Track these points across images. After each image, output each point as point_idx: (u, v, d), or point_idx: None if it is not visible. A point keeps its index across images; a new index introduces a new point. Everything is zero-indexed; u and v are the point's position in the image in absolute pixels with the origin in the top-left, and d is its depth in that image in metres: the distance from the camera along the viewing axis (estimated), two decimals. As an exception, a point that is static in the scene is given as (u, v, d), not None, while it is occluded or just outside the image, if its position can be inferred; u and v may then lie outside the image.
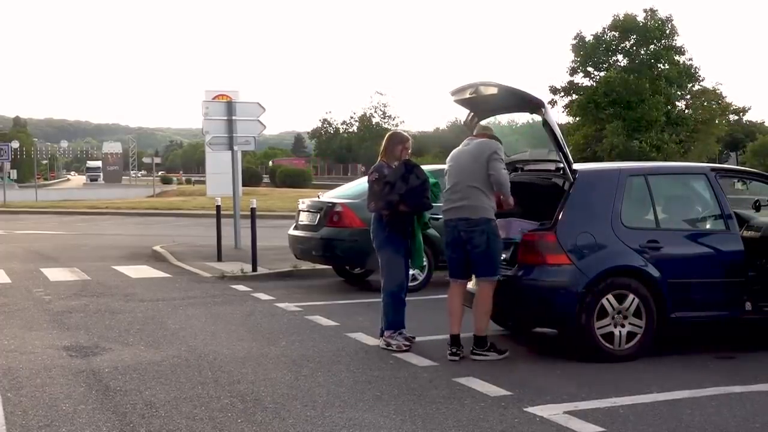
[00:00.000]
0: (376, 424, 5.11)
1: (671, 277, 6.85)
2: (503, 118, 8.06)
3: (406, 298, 7.47)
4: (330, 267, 11.94)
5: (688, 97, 53.54)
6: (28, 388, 6.00)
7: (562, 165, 7.01)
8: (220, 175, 17.15)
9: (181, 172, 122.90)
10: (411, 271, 8.42)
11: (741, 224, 7.53)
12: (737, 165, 62.33)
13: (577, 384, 6.01)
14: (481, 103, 7.53)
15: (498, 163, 6.80)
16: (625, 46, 52.96)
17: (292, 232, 11.73)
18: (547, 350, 7.37)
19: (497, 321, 7.93)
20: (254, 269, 12.47)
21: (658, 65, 51.72)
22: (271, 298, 10.27)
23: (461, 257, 6.94)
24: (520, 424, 5.08)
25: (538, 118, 7.06)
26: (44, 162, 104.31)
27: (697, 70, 52.17)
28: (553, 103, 53.31)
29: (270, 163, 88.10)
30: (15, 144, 68.07)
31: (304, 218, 11.40)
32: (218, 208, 15.10)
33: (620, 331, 6.74)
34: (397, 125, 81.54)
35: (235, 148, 15.33)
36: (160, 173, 75.86)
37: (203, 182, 25.46)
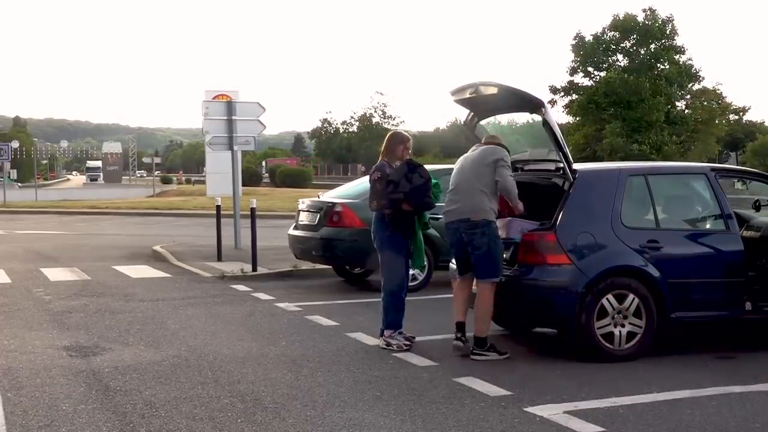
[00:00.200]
0: (376, 424, 5.11)
1: (671, 277, 6.85)
2: (503, 118, 8.07)
3: (407, 298, 7.47)
4: (330, 267, 11.94)
5: (688, 97, 53.56)
6: (28, 388, 6.00)
7: (562, 165, 7.01)
8: (220, 175, 17.16)
9: (181, 172, 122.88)
10: (411, 271, 8.41)
11: (741, 224, 7.53)
12: (737, 165, 62.32)
13: (577, 384, 6.01)
14: (481, 103, 7.54)
15: (505, 170, 6.83)
16: (625, 46, 52.98)
17: (292, 232, 11.73)
18: (547, 350, 7.37)
19: (497, 321, 7.92)
20: (254, 269, 12.47)
21: (658, 65, 51.74)
22: (271, 298, 10.27)
23: (465, 258, 6.95)
24: (520, 424, 5.08)
25: (538, 118, 7.07)
26: (44, 162, 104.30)
27: (698, 71, 52.18)
28: (553, 102, 53.34)
29: (264, 163, 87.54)
30: (15, 144, 68.08)
31: (304, 218, 11.40)
32: (218, 208, 15.10)
33: (620, 331, 6.74)
34: (397, 125, 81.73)
35: (235, 148, 15.33)
36: (156, 173, 75.52)
37: (203, 182, 25.44)
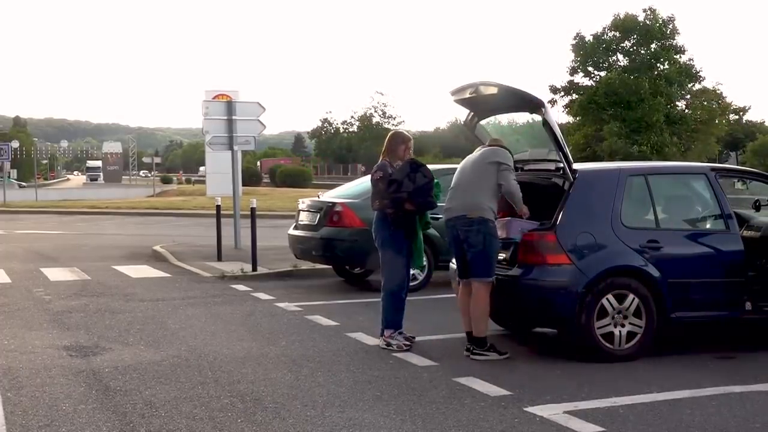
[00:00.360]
0: (376, 424, 5.11)
1: (671, 277, 6.85)
2: (503, 118, 8.07)
3: (407, 299, 7.47)
4: (330, 267, 11.94)
5: (688, 97, 53.54)
6: (28, 388, 6.00)
7: (562, 165, 7.01)
8: (220, 175, 17.16)
9: (180, 172, 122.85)
10: (411, 271, 8.41)
11: (741, 224, 7.53)
12: (737, 165, 62.33)
13: (577, 384, 6.01)
14: (481, 103, 7.54)
15: (508, 173, 6.84)
16: (626, 46, 52.96)
17: (292, 231, 11.73)
18: (547, 350, 7.37)
19: (497, 321, 7.93)
20: (254, 269, 12.47)
21: (658, 65, 51.73)
22: (271, 297, 10.27)
23: (463, 257, 6.95)
24: (520, 424, 5.08)
25: (538, 117, 7.07)
26: (44, 162, 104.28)
27: (698, 72, 52.15)
28: (553, 102, 53.32)
29: (257, 163, 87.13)
30: (15, 144, 68.05)
31: (304, 218, 11.40)
32: (218, 208, 15.11)
33: (620, 331, 6.74)
34: (397, 125, 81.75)
35: (235, 147, 15.33)
36: (152, 173, 75.33)
37: (201, 182, 25.43)
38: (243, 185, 19.45)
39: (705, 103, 53.04)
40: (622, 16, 52.39)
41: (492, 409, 5.39)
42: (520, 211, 6.95)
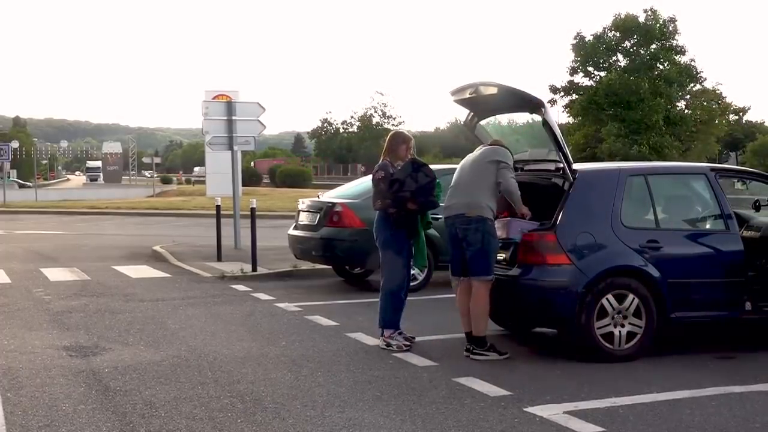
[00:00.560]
0: (376, 424, 5.11)
1: (671, 277, 6.85)
2: (503, 118, 8.07)
3: (407, 299, 7.47)
4: (330, 267, 11.94)
5: (688, 97, 53.55)
6: (28, 388, 6.00)
7: (562, 165, 7.01)
8: (219, 175, 17.17)
9: (180, 172, 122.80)
10: (411, 271, 8.41)
11: (741, 224, 7.53)
12: (737, 165, 62.35)
13: (577, 384, 6.01)
14: (481, 103, 7.54)
15: (507, 171, 6.84)
16: (626, 46, 52.97)
17: (291, 232, 11.73)
18: (547, 350, 7.37)
19: (497, 321, 7.93)
20: (254, 269, 12.47)
21: (658, 65, 51.73)
22: (271, 298, 10.27)
23: (461, 255, 6.95)
24: (520, 424, 5.08)
25: (538, 118, 7.08)
26: (44, 162, 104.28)
27: (700, 72, 52.14)
28: (553, 102, 53.34)
29: (252, 164, 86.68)
30: (15, 144, 68.07)
31: (304, 218, 11.40)
32: (218, 208, 15.11)
33: (620, 331, 6.74)
34: (397, 125, 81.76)
35: (235, 148, 15.33)
36: (148, 173, 75.13)
37: (197, 181, 25.42)
38: (243, 185, 19.45)
39: (705, 103, 53.07)
40: (623, 16, 52.41)
41: (492, 409, 5.39)
42: (519, 210, 6.94)
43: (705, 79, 52.78)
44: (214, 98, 16.29)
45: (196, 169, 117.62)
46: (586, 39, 52.96)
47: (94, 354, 7.13)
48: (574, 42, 53.16)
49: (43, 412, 5.41)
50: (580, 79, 54.00)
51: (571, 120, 54.92)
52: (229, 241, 15.30)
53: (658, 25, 51.50)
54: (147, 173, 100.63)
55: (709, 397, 5.69)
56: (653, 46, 51.99)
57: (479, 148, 7.24)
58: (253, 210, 12.82)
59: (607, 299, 6.70)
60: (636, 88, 49.27)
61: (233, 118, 15.07)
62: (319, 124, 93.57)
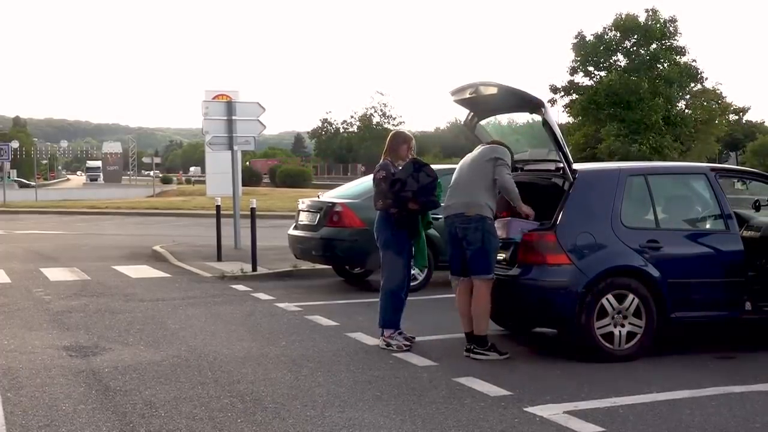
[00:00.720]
0: (376, 424, 5.11)
1: (671, 277, 6.85)
2: (503, 118, 8.07)
3: (407, 299, 7.46)
4: (330, 267, 11.94)
5: (688, 97, 53.53)
6: (28, 388, 6.00)
7: (562, 165, 7.01)
8: (219, 175, 17.16)
9: (180, 172, 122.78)
10: (411, 271, 8.41)
11: (741, 224, 7.53)
12: (737, 165, 62.33)
13: (577, 384, 6.01)
14: (481, 103, 7.54)
15: (503, 168, 6.83)
16: (626, 45, 52.96)
17: (291, 232, 11.73)
18: (547, 350, 7.37)
19: (497, 321, 7.93)
20: (254, 269, 12.47)
21: (658, 65, 51.71)
22: (271, 298, 10.27)
23: (460, 254, 6.95)
24: (520, 424, 5.08)
25: (538, 117, 7.08)
26: (44, 162, 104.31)
27: (701, 73, 52.11)
28: (553, 102, 53.32)
29: (246, 163, 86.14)
30: (15, 144, 68.07)
31: (303, 218, 11.40)
32: (218, 208, 15.11)
33: (620, 331, 6.74)
34: (397, 125, 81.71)
35: (235, 148, 15.34)
36: (152, 173, 75.00)
37: (198, 181, 25.41)
38: (243, 185, 19.45)
39: (705, 103, 53.05)
40: (623, 16, 52.39)
41: (492, 409, 5.39)
42: (520, 208, 6.91)
43: (706, 79, 52.81)
44: (214, 98, 16.28)
45: (192, 169, 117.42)
46: (587, 38, 52.94)
47: (94, 354, 7.13)
48: (575, 41, 53.14)
49: (43, 412, 5.41)
50: (580, 79, 54.01)
51: (571, 120, 54.90)
52: (229, 241, 15.29)
53: (658, 25, 51.49)
54: (151, 173, 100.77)
55: (709, 397, 5.69)
56: (653, 46, 51.98)
57: (478, 147, 7.24)
58: (253, 210, 12.82)
59: (607, 299, 6.70)
60: (636, 88, 49.27)
61: (233, 118, 15.07)
62: (319, 124, 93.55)
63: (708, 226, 7.39)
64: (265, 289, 10.92)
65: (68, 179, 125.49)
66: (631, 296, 6.74)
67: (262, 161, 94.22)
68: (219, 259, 14.17)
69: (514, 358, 6.85)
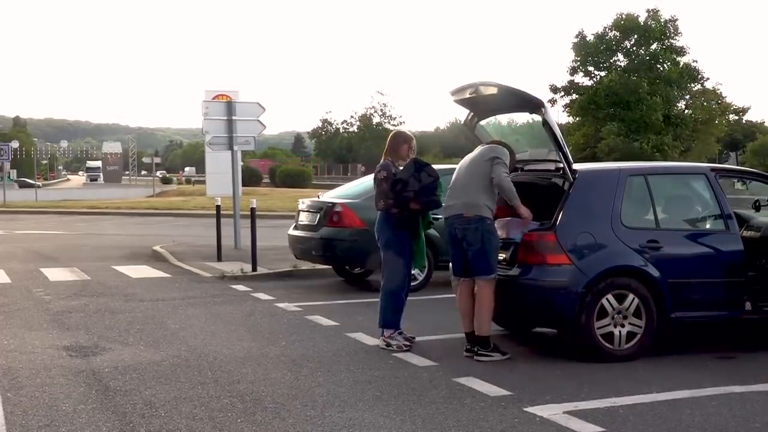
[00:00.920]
0: (376, 424, 5.11)
1: (671, 277, 6.84)
2: (503, 118, 8.07)
3: (407, 299, 7.46)
4: (330, 267, 11.94)
5: (688, 97, 53.55)
6: (28, 388, 6.00)
7: (561, 165, 7.01)
8: (219, 175, 17.17)
9: (180, 172, 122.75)
10: (412, 271, 8.40)
11: (741, 224, 7.53)
12: (737, 165, 62.33)
13: (577, 384, 6.01)
14: (481, 103, 7.54)
15: (500, 167, 6.80)
16: (626, 45, 52.97)
17: (291, 232, 11.73)
18: (547, 350, 7.37)
19: (497, 321, 7.92)
20: (254, 269, 12.47)
21: (657, 66, 51.72)
22: (271, 298, 10.26)
23: (461, 255, 6.95)
24: (520, 424, 5.08)
25: (538, 118, 7.07)
26: (44, 162, 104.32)
27: (702, 73, 52.12)
28: (553, 102, 53.34)
29: (241, 162, 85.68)
30: (15, 144, 68.11)
31: (303, 218, 11.40)
32: (218, 208, 15.11)
33: (620, 331, 6.73)
34: (397, 125, 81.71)
35: (235, 148, 15.34)
36: (159, 173, 75.14)
37: (201, 181, 25.42)
38: (243, 185, 19.46)
39: (705, 103, 53.07)
40: (624, 16, 52.40)
41: (492, 409, 5.38)
42: (518, 208, 6.87)
43: (707, 79, 52.83)
44: (214, 98, 16.30)
45: (186, 169, 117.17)
46: (588, 38, 52.94)
47: (94, 354, 7.13)
48: (576, 41, 53.17)
49: (43, 412, 5.41)
50: (580, 78, 54.07)
51: (571, 120, 54.91)
52: (229, 241, 15.30)
53: (658, 25, 51.50)
54: (158, 173, 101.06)
55: (709, 397, 5.69)
56: (653, 46, 51.99)
57: (478, 147, 7.24)
58: (253, 210, 12.82)
59: (607, 299, 6.70)
60: (635, 88, 49.28)
61: (233, 118, 15.08)
62: (319, 124, 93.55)
63: (708, 226, 7.39)
64: (265, 289, 10.92)
65: (68, 179, 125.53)
66: (631, 296, 6.74)
67: (257, 161, 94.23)
68: (219, 259, 14.17)
69: (514, 358, 6.85)
